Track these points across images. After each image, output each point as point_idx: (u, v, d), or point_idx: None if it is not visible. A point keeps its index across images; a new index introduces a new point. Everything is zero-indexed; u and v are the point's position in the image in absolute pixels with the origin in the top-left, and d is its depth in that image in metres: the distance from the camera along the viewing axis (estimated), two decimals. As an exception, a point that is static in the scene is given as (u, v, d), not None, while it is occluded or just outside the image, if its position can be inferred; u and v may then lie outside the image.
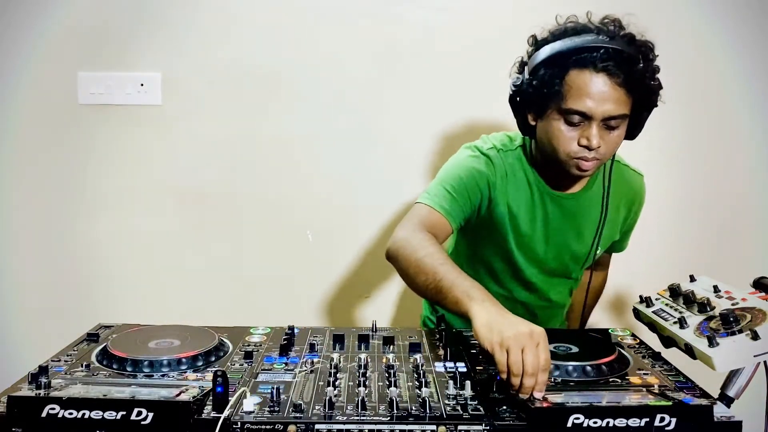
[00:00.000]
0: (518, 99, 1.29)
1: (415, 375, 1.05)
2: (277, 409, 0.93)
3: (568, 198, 1.40)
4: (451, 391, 0.99)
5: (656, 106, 1.27)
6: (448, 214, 1.32)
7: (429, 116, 1.97)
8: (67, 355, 1.14)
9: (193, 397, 0.92)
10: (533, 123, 1.31)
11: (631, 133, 1.30)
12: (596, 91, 1.19)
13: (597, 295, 1.73)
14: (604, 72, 1.18)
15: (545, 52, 1.23)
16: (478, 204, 1.37)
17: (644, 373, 1.07)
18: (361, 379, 1.03)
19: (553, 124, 1.25)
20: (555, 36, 1.25)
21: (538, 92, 1.24)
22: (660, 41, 1.98)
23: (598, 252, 1.45)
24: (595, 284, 1.65)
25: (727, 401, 1.02)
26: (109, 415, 0.87)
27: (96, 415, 0.87)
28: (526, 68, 1.28)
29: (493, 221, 1.39)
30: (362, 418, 0.91)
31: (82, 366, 1.08)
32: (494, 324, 1.00)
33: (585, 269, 1.54)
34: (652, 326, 1.19)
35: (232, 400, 0.92)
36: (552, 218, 1.40)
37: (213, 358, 1.12)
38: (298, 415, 0.91)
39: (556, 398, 0.94)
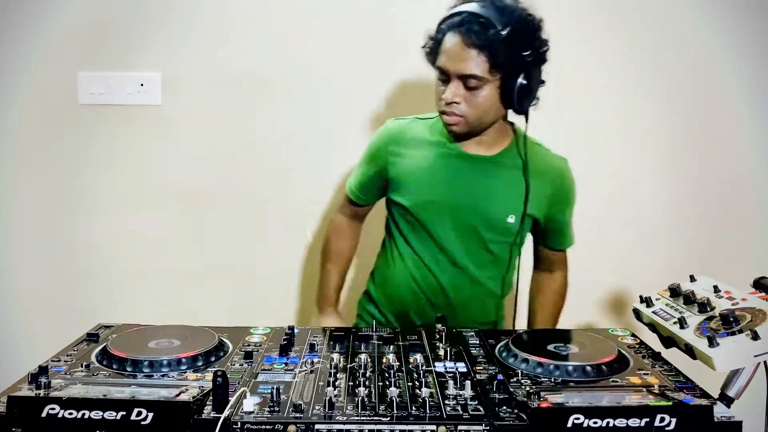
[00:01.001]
0: (427, 57, 1.42)
1: (415, 375, 1.05)
2: (277, 409, 0.93)
3: (483, 159, 1.45)
4: (451, 391, 0.99)
5: (530, 77, 1.34)
6: (355, 195, 1.58)
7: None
8: (67, 355, 1.14)
9: (193, 397, 0.92)
10: None
11: (508, 102, 1.37)
12: (452, 50, 1.33)
13: (559, 296, 1.66)
14: (459, 34, 1.31)
15: (441, 16, 1.37)
16: (380, 172, 1.52)
17: (644, 373, 1.07)
18: (361, 379, 1.03)
19: (436, 81, 1.40)
20: (457, 3, 1.37)
21: (431, 52, 1.40)
22: (661, 41, 1.99)
23: (510, 220, 1.45)
24: (555, 286, 1.64)
25: (727, 401, 1.02)
26: (109, 415, 0.87)
27: (96, 415, 0.87)
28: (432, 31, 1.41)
29: (397, 183, 1.49)
30: (362, 418, 0.91)
31: (82, 366, 1.07)
32: None
33: (540, 268, 1.63)
34: (652, 326, 1.19)
35: (232, 400, 0.92)
36: (463, 178, 1.45)
37: (213, 358, 1.12)
38: (298, 415, 0.91)
39: (556, 398, 0.94)
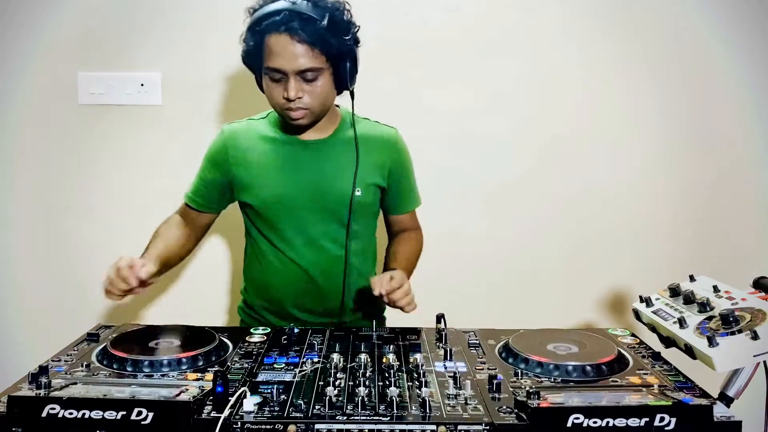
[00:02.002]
0: (245, 61, 1.45)
1: (415, 375, 1.05)
2: (277, 409, 0.93)
3: (318, 142, 1.51)
4: (451, 391, 0.99)
5: (354, 58, 1.43)
6: (190, 199, 1.58)
7: (429, 116, 1.97)
8: (67, 355, 1.14)
9: (193, 397, 0.92)
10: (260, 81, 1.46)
11: (340, 85, 1.44)
12: (284, 50, 1.35)
13: (417, 243, 1.66)
14: (286, 32, 1.34)
15: (248, 21, 1.40)
16: (221, 178, 1.53)
17: (644, 373, 1.07)
18: (361, 379, 1.03)
19: (266, 82, 1.42)
20: (259, 5, 1.40)
21: (250, 55, 1.42)
22: (662, 41, 1.99)
23: (357, 193, 1.49)
24: (413, 235, 1.66)
25: (727, 401, 1.02)
26: (109, 415, 0.87)
27: (96, 415, 0.87)
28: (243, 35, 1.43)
29: (243, 184, 1.51)
30: (362, 418, 0.91)
31: (82, 366, 1.08)
32: None
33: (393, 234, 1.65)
34: (652, 326, 1.19)
35: (232, 400, 0.92)
36: (305, 163, 1.50)
37: (213, 358, 1.12)
38: (298, 415, 0.91)
39: (556, 398, 0.94)
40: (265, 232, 1.54)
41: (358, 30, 1.44)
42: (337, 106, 1.56)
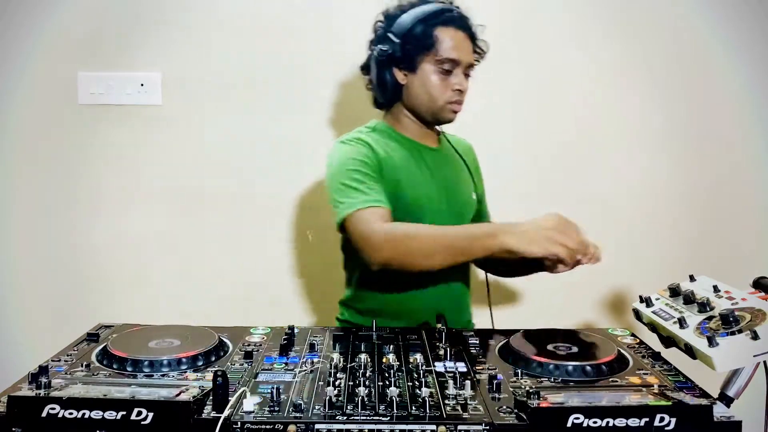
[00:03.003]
0: (388, 61, 1.46)
1: (415, 375, 1.05)
2: (277, 409, 0.93)
3: (436, 150, 1.56)
4: (451, 391, 0.99)
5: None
6: (381, 202, 1.35)
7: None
8: (67, 355, 1.14)
9: (193, 397, 0.92)
10: (404, 82, 1.48)
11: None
12: (461, 43, 1.45)
13: None
14: (461, 28, 1.45)
15: (413, 15, 1.43)
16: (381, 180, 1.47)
17: (644, 373, 1.07)
18: (361, 379, 1.03)
19: (429, 76, 1.45)
20: (408, 7, 1.47)
21: (411, 49, 1.43)
22: (661, 42, 1.99)
23: (473, 197, 1.59)
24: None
25: (727, 401, 1.02)
26: (109, 415, 0.87)
27: (96, 415, 0.87)
28: (390, 35, 1.45)
29: (393, 194, 1.42)
30: (362, 418, 0.91)
31: (82, 366, 1.08)
32: (530, 234, 1.19)
33: None
34: (652, 326, 1.19)
35: (232, 400, 0.92)
36: (434, 169, 1.52)
37: (213, 358, 1.12)
38: (298, 415, 0.91)
39: (556, 398, 0.94)
40: None
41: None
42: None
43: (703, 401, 0.96)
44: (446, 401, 0.96)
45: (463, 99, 1.48)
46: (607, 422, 0.87)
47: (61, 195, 2.00)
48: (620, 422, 0.87)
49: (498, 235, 1.20)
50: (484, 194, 1.69)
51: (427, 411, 0.92)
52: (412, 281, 1.46)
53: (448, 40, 1.43)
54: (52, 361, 1.11)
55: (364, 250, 1.31)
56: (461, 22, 1.45)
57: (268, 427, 0.89)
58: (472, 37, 1.48)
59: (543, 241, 1.17)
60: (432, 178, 1.50)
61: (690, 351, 1.04)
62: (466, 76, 1.48)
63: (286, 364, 1.11)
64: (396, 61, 1.46)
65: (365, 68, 1.55)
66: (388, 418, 0.91)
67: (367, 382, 1.02)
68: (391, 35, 1.45)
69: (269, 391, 0.96)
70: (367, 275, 1.50)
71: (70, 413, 0.87)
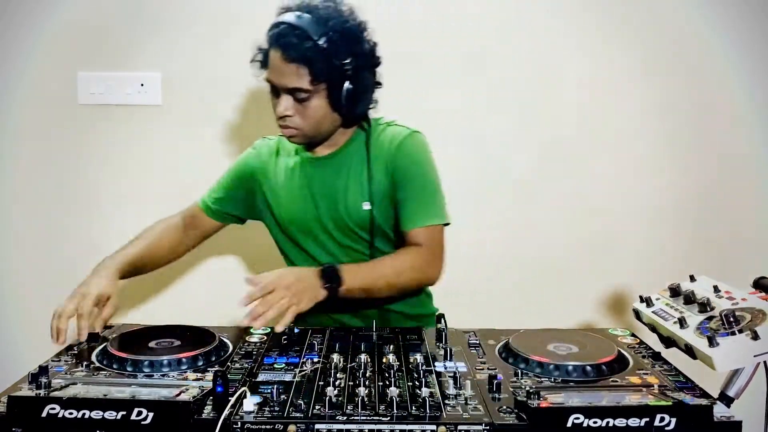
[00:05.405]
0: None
1: (415, 375, 1.05)
2: (277, 409, 0.93)
3: (320, 159, 1.46)
4: (451, 391, 0.99)
5: (358, 80, 1.33)
6: (207, 207, 1.55)
7: (429, 117, 1.97)
8: (67, 355, 1.14)
9: (193, 397, 0.92)
10: None
11: (339, 109, 1.36)
12: (274, 64, 1.33)
13: (407, 257, 1.40)
14: (279, 47, 1.31)
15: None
16: (243, 194, 1.54)
17: (644, 373, 1.07)
18: (361, 379, 1.03)
19: (270, 94, 1.39)
20: (279, 11, 1.37)
21: (261, 63, 1.39)
22: (662, 40, 1.98)
23: (366, 207, 1.40)
24: (408, 252, 1.40)
25: (727, 401, 1.02)
26: (109, 415, 0.87)
27: (96, 415, 0.87)
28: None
29: (263, 204, 1.50)
30: (362, 418, 0.91)
31: (82, 366, 1.08)
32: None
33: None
34: (652, 326, 1.19)
35: (232, 400, 0.92)
36: (315, 180, 1.46)
37: (213, 358, 1.12)
38: (298, 415, 0.91)
39: (556, 398, 0.94)
40: (288, 250, 1.51)
41: (372, 51, 1.37)
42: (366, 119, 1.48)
43: (703, 401, 0.96)
44: (446, 401, 0.96)
45: (291, 124, 1.35)
46: (607, 422, 0.87)
47: (61, 195, 2.00)
48: (620, 422, 0.87)
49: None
50: (406, 195, 1.41)
51: (427, 411, 0.92)
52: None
53: (270, 62, 1.33)
54: (52, 361, 1.11)
55: None
56: (282, 42, 1.29)
57: (268, 427, 0.89)
58: (299, 57, 1.28)
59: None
60: (309, 193, 1.45)
61: (690, 351, 1.04)
62: (298, 100, 1.33)
63: (286, 364, 1.11)
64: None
65: None
66: (388, 418, 0.91)
67: (367, 382, 1.02)
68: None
69: (269, 391, 0.96)
70: None
71: (70, 413, 0.87)
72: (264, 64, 1.37)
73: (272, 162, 1.51)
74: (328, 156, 1.46)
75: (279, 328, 1.20)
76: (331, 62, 1.29)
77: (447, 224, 1.44)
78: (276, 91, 1.35)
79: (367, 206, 1.41)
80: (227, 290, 2.00)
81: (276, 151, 1.52)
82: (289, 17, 1.30)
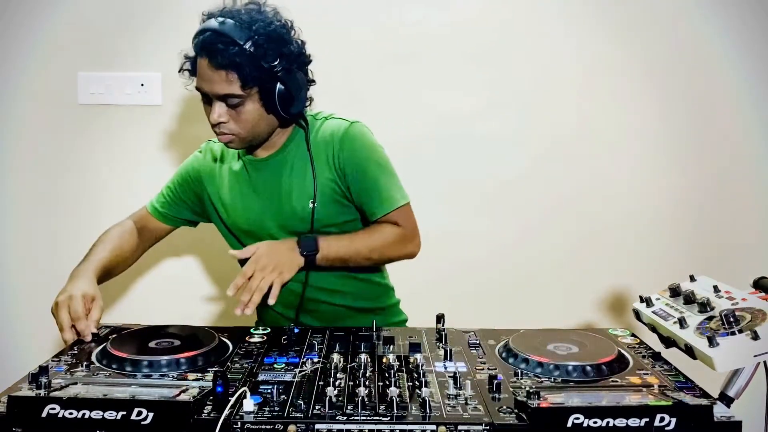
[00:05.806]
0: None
1: (415, 375, 1.05)
2: (277, 409, 0.93)
3: (262, 161, 1.46)
4: (451, 391, 0.99)
5: (290, 82, 1.33)
6: (155, 211, 1.57)
7: (428, 117, 1.97)
8: (67, 355, 1.14)
9: (193, 397, 0.92)
10: None
11: (272, 109, 1.35)
12: (202, 72, 1.32)
13: (388, 230, 1.43)
14: (205, 55, 1.30)
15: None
16: (192, 197, 1.55)
17: (644, 373, 1.07)
18: (361, 379, 1.03)
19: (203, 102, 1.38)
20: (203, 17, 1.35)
21: (193, 74, 1.37)
22: (662, 40, 1.99)
23: (315, 206, 1.39)
24: (387, 228, 1.43)
25: (727, 401, 1.02)
26: (109, 415, 0.87)
27: (96, 415, 0.87)
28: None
29: (212, 204, 1.51)
30: (362, 418, 0.91)
31: (82, 366, 1.08)
32: None
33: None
34: (652, 326, 1.19)
35: (232, 400, 0.92)
36: (258, 182, 1.46)
37: (213, 358, 1.12)
38: (298, 415, 0.91)
39: (556, 398, 0.94)
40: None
41: (300, 48, 1.37)
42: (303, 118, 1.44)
43: (704, 401, 0.96)
44: (446, 401, 0.96)
45: (227, 130, 1.35)
46: (607, 422, 0.87)
47: (61, 195, 2.00)
48: (620, 422, 0.87)
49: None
50: (365, 185, 1.41)
51: (427, 411, 0.92)
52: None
53: (198, 70, 1.33)
54: (52, 361, 1.11)
55: None
56: (208, 50, 1.28)
57: (268, 427, 0.89)
58: (227, 66, 1.27)
59: None
60: (251, 198, 1.46)
61: (690, 351, 1.04)
62: (231, 106, 1.32)
63: (286, 364, 1.11)
64: None
65: None
66: (388, 418, 0.91)
67: (367, 382, 1.02)
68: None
69: (269, 391, 0.96)
70: None
71: (70, 413, 0.87)
72: (193, 72, 1.37)
73: (217, 165, 1.52)
74: (269, 157, 1.46)
75: (271, 301, 1.28)
76: (260, 65, 1.29)
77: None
78: (208, 99, 1.35)
79: (311, 204, 1.40)
80: (186, 290, 2.02)
81: (221, 155, 1.53)
82: (213, 24, 1.29)
